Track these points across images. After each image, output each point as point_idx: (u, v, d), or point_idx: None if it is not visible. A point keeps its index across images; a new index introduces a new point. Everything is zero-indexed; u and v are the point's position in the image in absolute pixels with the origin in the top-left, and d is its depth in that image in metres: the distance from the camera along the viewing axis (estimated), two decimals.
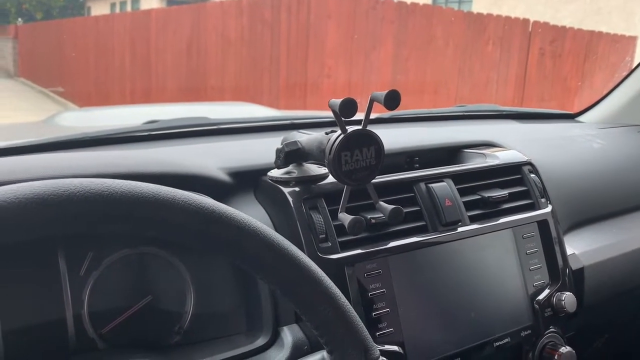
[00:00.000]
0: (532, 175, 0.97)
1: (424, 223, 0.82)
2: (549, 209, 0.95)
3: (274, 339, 0.70)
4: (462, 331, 0.81)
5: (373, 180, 0.71)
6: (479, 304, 0.83)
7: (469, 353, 0.80)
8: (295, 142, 0.75)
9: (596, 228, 1.11)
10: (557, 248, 0.93)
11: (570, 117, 1.53)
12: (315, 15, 5.38)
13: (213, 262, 0.73)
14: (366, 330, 0.54)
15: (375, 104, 0.66)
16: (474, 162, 0.96)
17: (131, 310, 0.69)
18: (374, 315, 0.73)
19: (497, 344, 0.83)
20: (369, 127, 0.69)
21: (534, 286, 0.89)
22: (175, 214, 0.46)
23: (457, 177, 0.88)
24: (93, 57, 7.10)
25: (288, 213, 0.73)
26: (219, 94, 5.87)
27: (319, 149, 0.70)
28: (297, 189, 0.75)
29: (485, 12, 4.84)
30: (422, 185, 0.84)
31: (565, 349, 0.87)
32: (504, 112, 1.43)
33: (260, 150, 0.86)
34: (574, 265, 0.97)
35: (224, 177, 0.78)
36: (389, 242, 0.77)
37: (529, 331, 0.87)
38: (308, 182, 0.76)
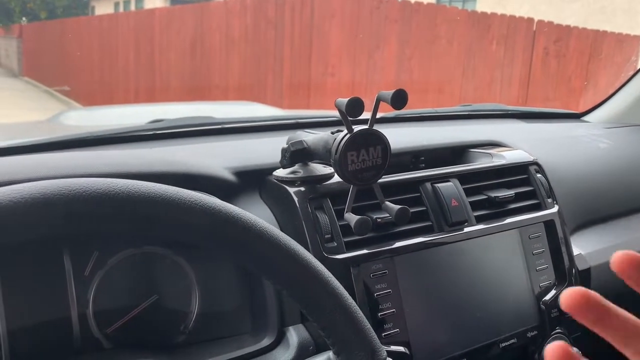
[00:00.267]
0: (539, 175, 0.97)
1: (430, 223, 0.81)
2: (555, 209, 0.95)
3: (280, 339, 0.70)
4: (468, 332, 0.80)
5: (379, 180, 0.70)
6: (485, 305, 0.82)
7: (475, 354, 0.80)
8: (301, 142, 0.74)
9: (603, 228, 1.10)
10: (563, 248, 0.93)
11: (576, 116, 1.52)
12: (319, 15, 5.38)
13: (218, 261, 0.73)
14: (373, 331, 0.53)
15: (381, 102, 0.66)
16: (480, 161, 0.96)
17: (136, 310, 0.69)
18: (380, 315, 0.73)
19: (503, 344, 0.83)
20: (374, 127, 0.68)
21: (540, 287, 0.89)
22: (181, 214, 0.45)
23: (463, 177, 0.88)
24: (97, 56, 7.11)
25: (293, 213, 0.73)
26: (223, 93, 5.87)
27: (325, 149, 0.69)
28: (302, 188, 0.74)
29: (489, 11, 4.83)
30: (428, 185, 0.84)
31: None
32: (509, 112, 1.42)
33: (265, 150, 0.85)
34: (581, 265, 0.97)
35: (230, 176, 0.78)
36: (395, 242, 0.77)
37: (536, 332, 0.87)
38: (314, 182, 0.75)
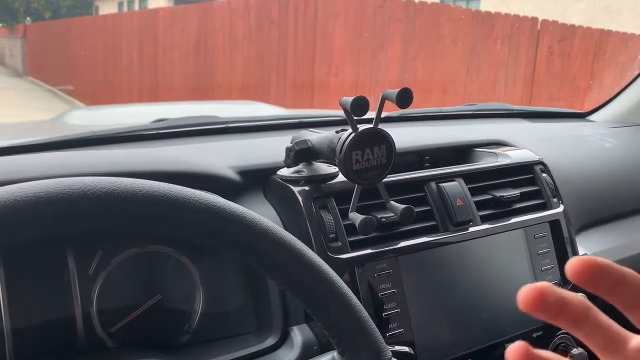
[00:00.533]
0: (544, 175, 0.96)
1: (435, 223, 0.81)
2: (560, 208, 0.94)
3: (284, 338, 0.70)
4: (473, 332, 0.80)
5: (384, 180, 0.70)
6: (490, 305, 0.82)
7: (480, 354, 0.80)
8: (305, 141, 0.74)
9: (608, 228, 1.10)
10: (569, 248, 0.92)
11: (581, 116, 1.51)
12: (322, 14, 5.37)
13: (222, 261, 0.73)
14: (378, 331, 0.53)
15: (385, 101, 0.66)
16: (485, 161, 0.95)
17: (140, 309, 0.69)
18: (385, 315, 0.72)
19: (509, 344, 0.82)
20: (379, 126, 0.68)
21: None
22: (185, 213, 0.45)
23: (468, 177, 0.87)
24: (101, 55, 7.13)
25: (298, 212, 0.73)
26: (227, 93, 5.88)
27: (330, 148, 0.69)
28: (306, 188, 0.74)
29: (493, 10, 4.81)
30: (433, 184, 0.83)
31: (577, 350, 0.86)
32: (514, 111, 1.42)
33: (269, 149, 0.85)
34: None
35: (234, 175, 0.78)
36: (400, 242, 0.76)
37: (541, 332, 0.86)
38: (318, 181, 0.75)
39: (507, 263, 0.85)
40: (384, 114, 0.68)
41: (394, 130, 0.72)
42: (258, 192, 0.79)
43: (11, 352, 0.62)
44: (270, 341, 0.69)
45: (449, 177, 0.85)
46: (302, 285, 0.51)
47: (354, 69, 5.21)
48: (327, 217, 0.72)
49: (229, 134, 1.02)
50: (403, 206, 0.70)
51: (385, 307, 0.73)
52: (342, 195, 0.74)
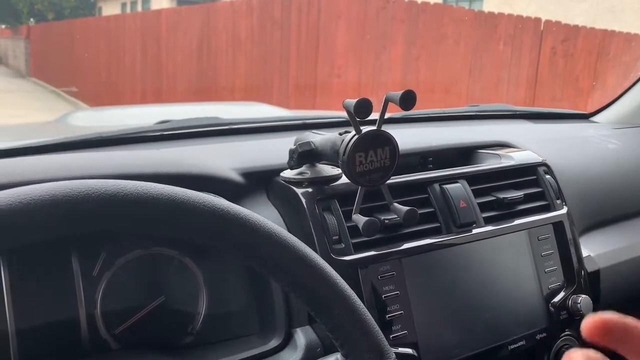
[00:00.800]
0: (548, 176, 0.96)
1: (438, 224, 0.81)
2: (564, 210, 0.94)
3: (287, 340, 0.70)
4: (476, 334, 0.80)
5: (387, 181, 0.70)
6: (494, 307, 0.82)
7: (483, 356, 0.80)
8: (308, 143, 0.74)
9: (612, 230, 1.09)
10: (572, 250, 0.92)
11: (585, 117, 1.51)
12: (325, 15, 5.38)
13: (226, 262, 0.73)
14: (381, 333, 0.53)
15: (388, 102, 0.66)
16: (489, 162, 0.95)
17: (144, 311, 0.69)
18: (388, 317, 0.72)
19: (512, 347, 0.82)
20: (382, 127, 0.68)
21: (549, 288, 0.88)
22: (189, 216, 0.45)
23: (471, 178, 0.87)
24: (104, 57, 7.15)
25: (301, 214, 0.73)
26: (230, 94, 5.88)
27: (333, 150, 0.69)
28: (310, 189, 0.74)
29: (496, 11, 4.81)
30: (437, 186, 0.83)
31: None
32: (517, 112, 1.41)
33: (272, 151, 0.85)
34: (590, 267, 0.96)
35: (237, 177, 0.78)
36: (403, 244, 0.76)
37: (544, 334, 0.86)
38: (321, 183, 0.75)
39: (510, 265, 0.85)
40: (387, 115, 0.68)
41: (397, 131, 0.72)
42: (261, 194, 0.79)
43: (15, 354, 0.62)
44: (273, 343, 0.69)
45: (452, 179, 0.85)
46: (306, 287, 0.51)
47: (357, 70, 5.22)
48: (331, 219, 0.72)
49: (232, 136, 1.02)
50: (406, 208, 0.70)
51: (388, 309, 0.73)
52: (345, 197, 0.74)
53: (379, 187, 0.70)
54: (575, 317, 0.88)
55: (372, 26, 5.16)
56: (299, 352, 0.68)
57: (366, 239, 0.73)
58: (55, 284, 0.65)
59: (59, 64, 7.67)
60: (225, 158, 0.81)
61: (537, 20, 4.55)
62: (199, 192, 0.47)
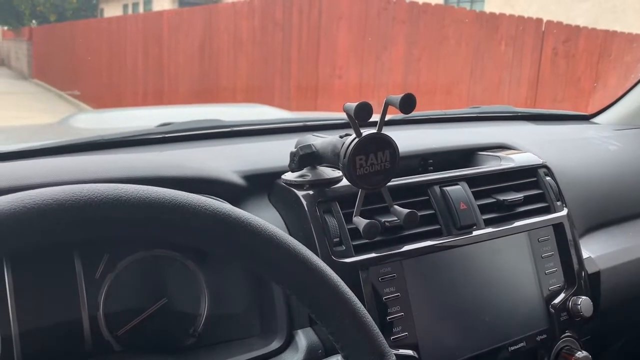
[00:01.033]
0: (548, 178, 0.96)
1: (439, 226, 0.81)
2: (564, 212, 0.94)
3: (288, 342, 0.70)
4: (477, 335, 0.80)
5: (387, 184, 0.70)
6: (494, 308, 0.82)
7: (484, 357, 0.80)
8: (309, 146, 0.74)
9: (612, 231, 1.09)
10: (572, 251, 0.92)
11: (585, 118, 1.51)
12: (326, 16, 5.38)
13: (228, 265, 0.73)
14: (382, 335, 0.53)
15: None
16: (489, 164, 0.95)
17: (146, 313, 0.69)
18: (389, 319, 0.73)
19: (512, 348, 0.83)
20: (383, 129, 0.68)
21: (549, 290, 0.89)
22: (191, 219, 0.46)
23: (472, 180, 0.87)
24: (106, 58, 7.16)
25: (302, 216, 0.73)
26: (231, 95, 5.89)
27: (334, 153, 0.70)
28: (311, 192, 0.75)
29: (497, 11, 4.81)
30: (437, 188, 0.84)
31: (581, 354, 0.87)
32: (518, 114, 1.42)
33: (274, 153, 0.86)
34: (590, 268, 0.96)
35: (238, 180, 0.78)
36: (404, 246, 0.77)
37: (545, 335, 0.86)
38: (322, 186, 0.75)
39: (511, 266, 0.85)
40: (387, 117, 0.68)
41: (398, 133, 0.73)
42: (263, 197, 0.80)
43: (19, 355, 0.63)
44: (275, 345, 0.69)
45: (453, 181, 0.86)
46: (307, 289, 0.51)
47: (358, 71, 5.22)
48: (332, 222, 0.73)
49: (233, 138, 1.02)
50: (407, 210, 0.70)
51: (389, 310, 0.73)
52: (346, 200, 0.75)
53: (379, 189, 0.70)
54: (575, 319, 0.89)
55: (373, 27, 5.16)
56: (300, 354, 0.68)
57: (367, 241, 0.73)
58: (58, 286, 0.65)
59: (61, 65, 7.69)
60: (227, 161, 0.82)
61: (539, 20, 4.55)
62: (200, 196, 0.47)
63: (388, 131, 0.69)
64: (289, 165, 0.77)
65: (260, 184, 0.80)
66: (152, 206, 0.44)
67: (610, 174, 1.17)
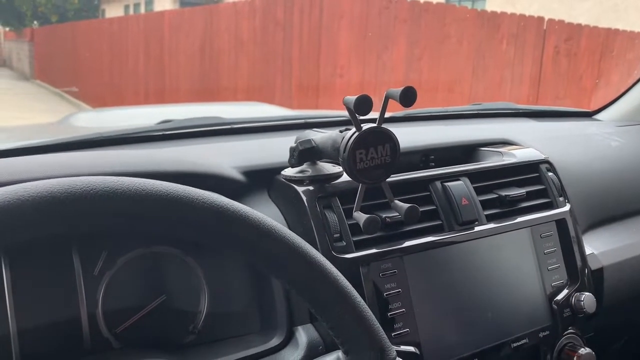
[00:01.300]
0: (550, 174, 0.96)
1: (440, 222, 0.81)
2: (567, 207, 0.94)
3: (289, 338, 0.70)
4: (479, 332, 0.80)
5: (388, 179, 0.70)
6: (496, 304, 0.82)
7: (486, 354, 0.79)
8: (309, 141, 0.74)
9: (615, 227, 1.09)
10: (575, 247, 0.92)
11: (588, 115, 1.50)
12: (327, 16, 5.38)
13: (227, 261, 0.73)
14: (382, 330, 0.53)
15: (390, 102, 0.65)
16: (491, 160, 0.95)
17: (145, 310, 0.69)
18: (390, 315, 0.72)
19: (515, 344, 0.82)
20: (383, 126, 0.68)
21: (552, 286, 0.88)
22: (189, 212, 0.45)
23: (473, 176, 0.87)
24: (107, 58, 7.17)
25: (302, 212, 0.73)
26: (232, 94, 5.89)
27: (333, 147, 0.69)
28: (311, 187, 0.74)
29: (499, 10, 4.80)
30: (438, 184, 0.83)
31: (584, 350, 0.86)
32: (520, 110, 1.41)
33: (274, 149, 0.85)
34: (593, 265, 0.96)
35: (238, 176, 0.78)
36: (405, 242, 0.76)
37: (547, 332, 0.86)
38: (322, 181, 0.75)
39: (513, 262, 0.85)
40: (389, 114, 0.68)
41: (400, 130, 0.72)
42: (262, 192, 0.79)
43: (17, 353, 0.62)
44: (275, 341, 0.69)
45: (454, 177, 0.85)
46: (306, 284, 0.51)
47: (359, 70, 5.21)
48: (332, 217, 0.72)
49: (233, 135, 1.02)
50: (407, 205, 0.69)
51: (390, 306, 0.72)
52: (346, 195, 0.74)
53: (379, 184, 0.70)
54: (578, 315, 0.88)
55: (374, 26, 5.15)
56: (301, 350, 0.68)
57: (367, 236, 0.73)
58: (56, 283, 0.65)
59: (63, 65, 7.70)
60: (227, 157, 0.81)
61: (540, 19, 4.54)
62: (198, 189, 0.47)
63: (389, 128, 0.68)
64: (289, 161, 0.76)
65: (260, 180, 0.79)
66: (149, 199, 0.43)
67: (612, 170, 1.16)
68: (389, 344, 0.53)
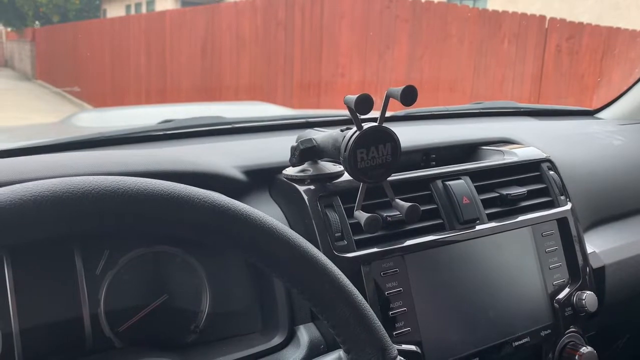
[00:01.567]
0: (551, 172, 0.96)
1: (441, 221, 0.81)
2: (568, 206, 0.94)
3: (290, 338, 0.70)
4: (480, 331, 0.80)
5: (389, 178, 0.70)
6: (498, 303, 0.82)
7: (487, 353, 0.79)
8: (310, 140, 0.74)
9: (617, 226, 1.09)
10: (577, 246, 0.92)
11: (589, 113, 1.50)
12: (329, 15, 5.37)
13: (229, 260, 0.73)
14: (384, 329, 0.53)
15: (390, 101, 0.66)
16: (492, 159, 0.95)
17: (147, 309, 0.69)
18: (391, 314, 0.72)
19: (516, 343, 0.82)
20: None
21: (553, 285, 0.88)
22: (190, 212, 0.45)
23: (474, 175, 0.87)
24: (109, 58, 7.17)
25: (303, 211, 0.73)
26: (234, 94, 5.89)
27: (334, 147, 0.69)
28: (312, 187, 0.74)
29: (500, 9, 4.79)
30: (439, 182, 0.83)
31: (586, 349, 0.86)
32: (522, 109, 1.41)
33: (275, 149, 0.85)
34: (595, 263, 0.95)
35: (239, 175, 0.78)
36: (406, 241, 0.76)
37: (549, 331, 0.86)
38: (323, 180, 0.75)
39: (514, 261, 0.85)
40: (390, 113, 0.68)
41: (401, 129, 0.72)
42: (264, 192, 0.79)
43: (20, 352, 0.62)
44: (276, 340, 0.69)
45: (456, 175, 0.85)
46: (308, 284, 0.51)
47: (361, 69, 5.21)
48: (333, 216, 0.72)
49: (235, 134, 1.02)
50: (409, 204, 0.69)
51: (391, 305, 0.72)
52: (347, 194, 0.74)
53: (381, 183, 0.70)
54: (580, 314, 0.88)
55: (375, 25, 5.15)
56: (302, 349, 0.68)
57: (368, 235, 0.73)
58: (58, 282, 0.65)
59: (65, 66, 7.70)
60: (228, 156, 0.81)
61: (542, 17, 4.53)
62: (199, 189, 0.47)
63: (390, 127, 0.68)
64: (290, 160, 0.76)
65: (261, 179, 0.79)
66: (151, 199, 0.43)
67: (614, 169, 1.16)
68: (390, 342, 0.53)
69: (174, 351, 0.68)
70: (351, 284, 0.52)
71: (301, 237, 0.51)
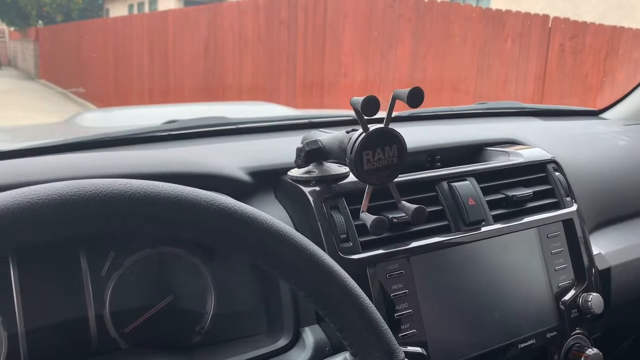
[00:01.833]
0: (557, 174, 0.95)
1: (447, 223, 0.80)
2: (574, 207, 0.93)
3: (295, 339, 0.70)
4: (486, 332, 0.79)
5: (395, 180, 0.70)
6: (503, 305, 0.81)
7: (493, 354, 0.79)
8: (315, 141, 0.74)
9: (623, 227, 1.08)
10: (582, 248, 0.91)
11: (594, 113, 1.50)
12: (332, 14, 5.37)
13: (234, 262, 0.73)
14: (390, 332, 0.53)
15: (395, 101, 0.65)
16: (497, 160, 0.94)
17: (152, 310, 0.69)
18: (397, 316, 0.72)
19: (522, 345, 0.82)
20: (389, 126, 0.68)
21: (559, 286, 0.88)
22: (197, 214, 0.45)
23: (480, 176, 0.87)
24: (112, 58, 7.18)
25: (309, 213, 0.73)
26: (237, 94, 5.89)
27: (340, 148, 0.69)
28: (317, 188, 0.74)
29: (504, 8, 4.79)
30: (445, 184, 0.83)
31: (591, 351, 0.86)
32: (526, 109, 1.40)
33: (280, 150, 0.85)
34: (600, 265, 0.95)
35: (244, 176, 0.78)
36: (411, 242, 0.76)
37: (555, 332, 0.85)
38: (329, 182, 0.75)
39: (520, 263, 0.85)
40: (394, 114, 0.67)
41: (405, 129, 0.72)
42: (269, 193, 0.79)
43: (25, 353, 0.62)
44: (282, 342, 0.69)
45: (461, 177, 0.85)
46: (314, 286, 0.51)
47: (364, 69, 5.20)
48: (338, 218, 0.72)
49: (239, 135, 1.02)
50: (414, 206, 0.69)
51: (397, 307, 0.72)
52: (353, 196, 0.74)
53: (386, 185, 0.69)
54: (586, 315, 0.88)
55: (378, 25, 5.14)
56: (308, 351, 0.68)
57: (374, 237, 0.73)
58: (64, 283, 0.65)
59: (68, 65, 7.72)
60: (233, 157, 0.81)
61: (545, 17, 4.52)
62: (206, 191, 0.47)
63: (395, 128, 0.68)
64: (295, 161, 0.76)
65: (266, 181, 0.79)
66: (157, 201, 0.43)
67: (620, 169, 1.16)
68: (397, 345, 0.53)
69: (179, 352, 0.68)
70: (358, 287, 0.52)
71: (308, 240, 0.50)
